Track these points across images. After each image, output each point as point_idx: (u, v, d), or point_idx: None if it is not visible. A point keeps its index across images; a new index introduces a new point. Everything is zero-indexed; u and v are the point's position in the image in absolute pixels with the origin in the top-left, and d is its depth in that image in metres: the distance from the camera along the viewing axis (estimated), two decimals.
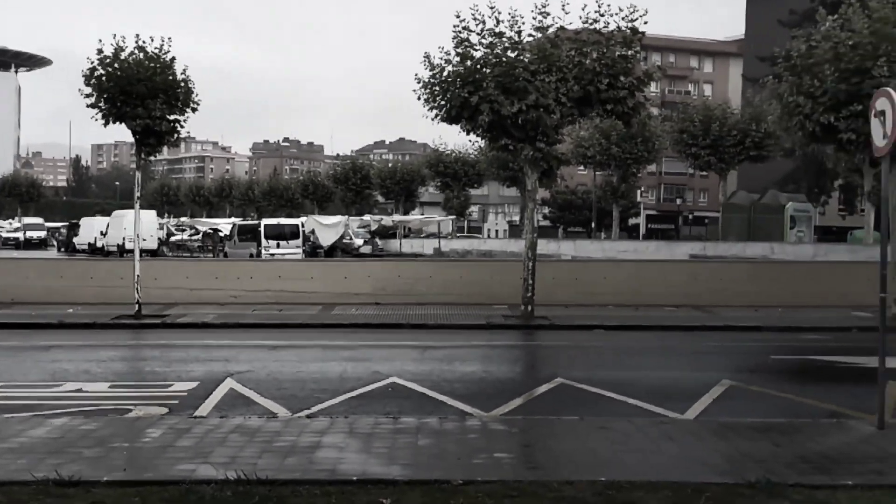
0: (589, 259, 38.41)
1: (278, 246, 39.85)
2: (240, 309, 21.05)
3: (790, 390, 11.87)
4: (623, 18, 19.40)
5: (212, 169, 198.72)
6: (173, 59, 19.72)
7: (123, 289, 20.78)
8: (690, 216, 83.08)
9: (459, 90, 19.07)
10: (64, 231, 62.07)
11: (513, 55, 19.06)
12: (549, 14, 19.15)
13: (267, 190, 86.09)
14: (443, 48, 19.48)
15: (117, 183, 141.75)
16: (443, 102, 19.68)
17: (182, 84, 19.86)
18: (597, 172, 56.67)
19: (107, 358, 15.18)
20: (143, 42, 19.59)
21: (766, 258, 36.99)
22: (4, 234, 70.12)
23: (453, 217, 64.16)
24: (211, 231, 55.44)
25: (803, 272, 25.35)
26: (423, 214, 72.67)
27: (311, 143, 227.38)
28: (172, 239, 58.21)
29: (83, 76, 19.43)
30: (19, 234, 68.65)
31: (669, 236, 79.00)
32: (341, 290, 22.65)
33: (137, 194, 20.90)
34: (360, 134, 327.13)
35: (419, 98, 20.05)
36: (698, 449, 8.43)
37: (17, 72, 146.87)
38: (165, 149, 23.49)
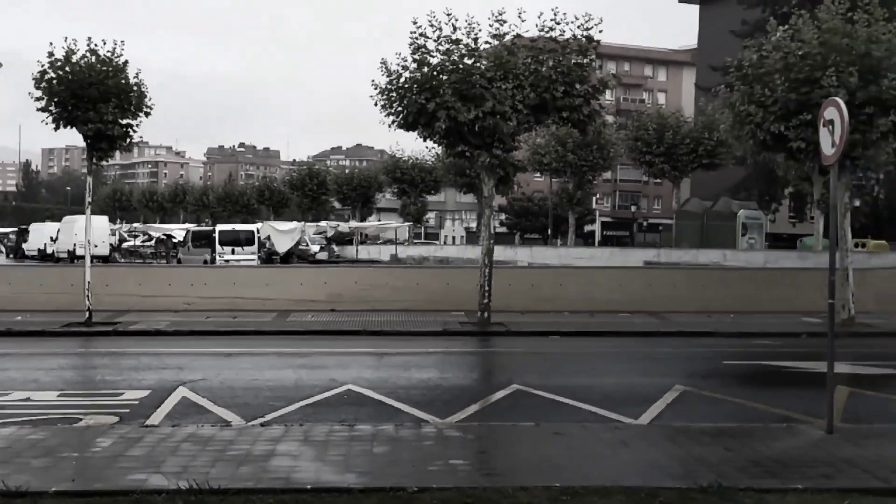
0: (545, 266, 38.58)
1: (233, 252, 39.48)
2: (193, 316, 20.80)
3: (742, 395, 12.03)
4: (578, 27, 19.56)
5: (165, 174, 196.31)
6: (126, 62, 19.46)
7: (74, 296, 20.41)
8: (645, 223, 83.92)
9: (416, 96, 19.07)
10: (13, 237, 60.91)
11: (469, 62, 19.11)
12: (505, 21, 19.25)
13: (222, 195, 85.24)
14: (400, 54, 19.49)
15: (68, 188, 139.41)
16: (400, 109, 19.65)
17: (135, 88, 19.59)
18: (553, 179, 57.02)
19: (56, 366, 14.90)
20: (96, 45, 19.32)
21: (719, 265, 37.55)
22: None
23: (410, 223, 64.13)
24: (164, 237, 54.78)
25: (755, 279, 25.77)
26: (379, 221, 72.51)
27: (267, 149, 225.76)
28: (125, 245, 57.36)
29: (33, 79, 19.08)
30: None
31: (624, 243, 79.78)
32: (297, 297, 22.51)
33: (89, 199, 20.56)
34: (317, 140, 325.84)
35: (376, 104, 20.01)
36: (652, 454, 8.50)
37: None
38: (118, 154, 23.12)
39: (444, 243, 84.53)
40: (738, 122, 21.51)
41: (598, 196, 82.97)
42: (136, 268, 34.18)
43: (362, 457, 8.27)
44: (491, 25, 19.27)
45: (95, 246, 34.61)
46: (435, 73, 19.10)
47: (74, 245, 44.32)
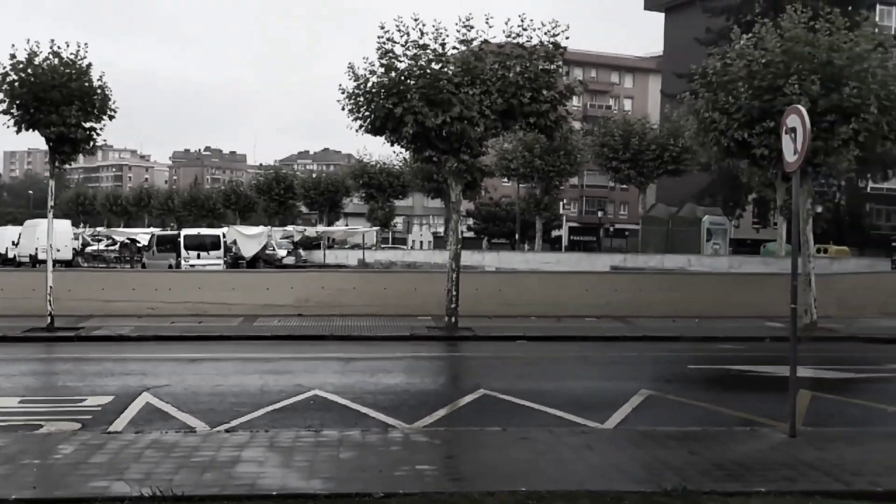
0: (512, 270, 38.74)
1: (199, 257, 39.14)
2: (158, 321, 20.59)
3: (706, 399, 12.14)
4: (546, 33, 19.67)
5: (130, 178, 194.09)
6: (90, 65, 19.25)
7: (35, 301, 20.12)
8: (611, 228, 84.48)
9: (384, 101, 19.07)
10: None
11: (437, 67, 19.14)
12: (472, 27, 19.30)
13: (187, 199, 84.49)
14: (367, 59, 19.47)
15: (30, 191, 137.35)
16: (367, 113, 19.64)
17: (98, 91, 19.38)
18: (520, 185, 57.21)
19: (17, 372, 14.68)
20: (59, 47, 19.10)
21: (684, 270, 37.91)
22: None
23: (378, 228, 64.01)
24: (128, 241, 54.21)
25: (719, 284, 26.04)
26: (347, 225, 72.29)
27: (233, 153, 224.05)
28: (88, 249, 56.71)
29: None
30: None
31: (591, 248, 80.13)
32: (263, 302, 22.37)
33: (51, 203, 20.31)
34: (284, 144, 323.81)
35: (343, 108, 19.98)
36: (617, 458, 8.56)
37: None
38: (81, 157, 22.82)
39: (412, 248, 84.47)
40: (703, 128, 21.73)
41: (565, 201, 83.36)
42: (99, 272, 33.80)
43: (328, 462, 8.24)
44: (458, 31, 19.34)
45: (58, 250, 34.21)
46: (402, 77, 19.11)
47: (36, 249, 43.68)
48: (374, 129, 19.85)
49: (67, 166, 22.46)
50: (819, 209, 44.83)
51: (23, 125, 19.13)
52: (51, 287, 19.49)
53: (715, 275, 30.85)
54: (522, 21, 19.58)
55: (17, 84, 18.71)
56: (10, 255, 48.91)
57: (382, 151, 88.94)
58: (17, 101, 18.80)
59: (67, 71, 18.89)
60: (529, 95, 19.28)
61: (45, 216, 20.49)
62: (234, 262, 43.72)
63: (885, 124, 19.86)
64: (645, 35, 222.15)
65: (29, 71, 18.69)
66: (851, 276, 30.27)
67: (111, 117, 19.80)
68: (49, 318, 19.18)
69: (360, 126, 19.97)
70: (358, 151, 69.59)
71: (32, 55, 18.82)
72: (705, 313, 22.66)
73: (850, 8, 39.73)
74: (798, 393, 10.24)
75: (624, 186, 66.54)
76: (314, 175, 74.51)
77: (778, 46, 20.04)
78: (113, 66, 20.61)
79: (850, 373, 15.25)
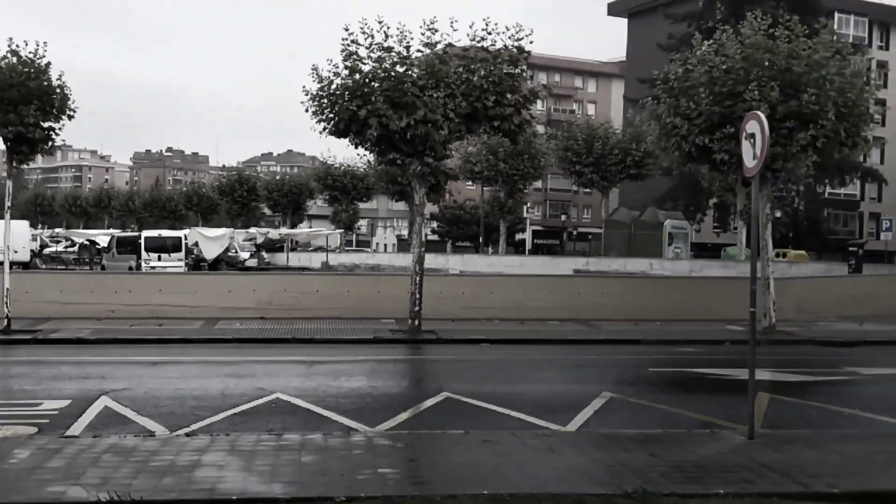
0: (476, 273, 38.80)
1: (159, 259, 38.71)
2: (117, 324, 20.31)
3: (667, 402, 12.25)
4: (510, 37, 19.71)
5: (90, 178, 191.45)
6: (49, 64, 18.95)
7: None
8: (575, 232, 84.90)
9: (348, 103, 19.00)
10: None
11: (401, 70, 19.11)
12: (437, 30, 19.29)
13: (148, 201, 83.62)
14: (331, 61, 19.38)
15: None
16: (331, 115, 19.55)
17: (58, 90, 19.08)
18: (484, 188, 57.37)
19: None
20: (17, 46, 18.77)
21: (646, 273, 38.25)
22: None
23: (342, 231, 63.80)
24: (87, 243, 53.39)
25: (680, 287, 26.31)
26: (311, 227, 71.95)
27: (195, 154, 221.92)
28: (46, 251, 55.74)
29: None
30: None
31: (555, 251, 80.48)
32: (225, 305, 22.17)
33: (8, 204, 19.95)
34: (247, 145, 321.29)
35: (307, 110, 19.87)
36: (579, 460, 8.60)
37: None
38: (39, 157, 22.48)
39: (376, 251, 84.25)
40: (665, 133, 21.94)
41: (528, 205, 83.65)
42: (57, 274, 33.28)
43: (290, 466, 8.18)
44: (423, 34, 19.33)
45: (15, 252, 33.58)
46: (367, 80, 19.06)
47: None
48: (338, 132, 19.77)
49: (25, 166, 22.08)
50: (778, 214, 45.54)
51: None
52: (7, 289, 19.15)
53: (676, 278, 31.17)
54: (487, 25, 19.61)
55: None
56: None
57: (346, 154, 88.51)
58: None
59: (26, 70, 18.57)
60: (493, 99, 19.32)
61: (1, 217, 20.12)
62: (196, 264, 43.28)
63: (842, 131, 20.20)
64: (608, 40, 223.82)
65: None
66: (809, 280, 30.76)
67: (70, 117, 19.52)
68: (6, 320, 18.84)
69: (324, 128, 19.89)
70: (322, 153, 69.40)
71: None
72: (666, 316, 22.88)
73: (809, 16, 40.42)
74: (757, 395, 10.38)
75: (587, 190, 67.12)
76: (277, 177, 73.99)
77: (738, 53, 20.31)
78: (73, 66, 20.32)
79: (808, 375, 15.47)
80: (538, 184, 72.75)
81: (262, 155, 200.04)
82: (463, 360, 17.04)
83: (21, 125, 18.55)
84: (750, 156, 10.15)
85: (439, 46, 19.43)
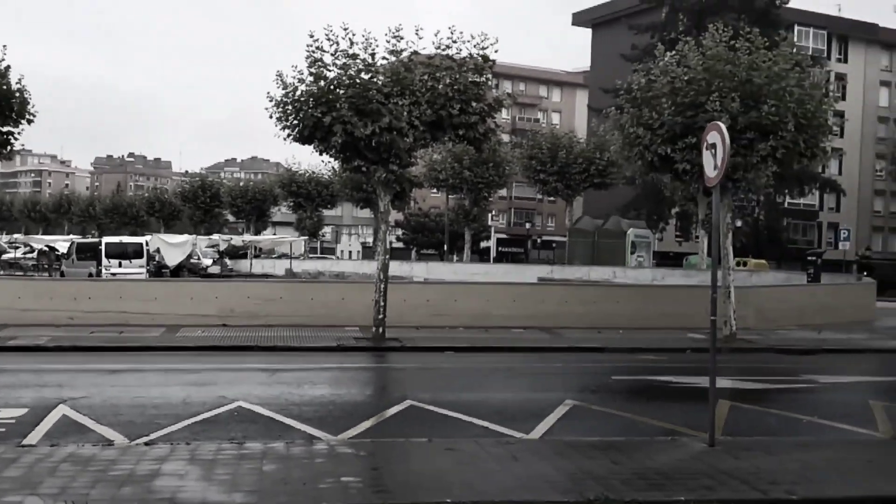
0: (441, 281, 38.81)
1: (120, 265, 38.25)
2: (77, 331, 20.03)
3: (629, 409, 12.33)
4: (475, 46, 19.76)
5: (50, 183, 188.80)
6: (8, 67, 18.75)
7: None
8: (539, 240, 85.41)
9: (312, 110, 18.93)
10: None
11: (366, 77, 19.09)
12: (402, 38, 19.30)
13: (109, 207, 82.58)
14: (296, 67, 19.32)
15: None
16: (295, 122, 19.46)
17: (17, 94, 18.86)
18: (449, 196, 57.43)
19: None
20: None
21: (609, 281, 38.47)
22: None
23: (306, 238, 63.48)
24: (47, 249, 52.68)
25: (643, 295, 26.53)
26: (274, 234, 71.47)
27: (158, 159, 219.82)
28: (4, 257, 54.96)
29: None
30: None
31: (519, 259, 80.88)
32: (187, 312, 21.96)
33: None
34: (211, 151, 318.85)
35: (271, 116, 19.77)
36: (542, 468, 8.62)
37: None
38: None
39: (341, 258, 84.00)
40: (628, 143, 22.14)
41: (493, 213, 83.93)
42: (15, 280, 32.68)
43: (251, 475, 8.11)
44: (388, 41, 19.32)
45: None
46: (332, 87, 19.01)
47: None
48: (303, 138, 19.69)
49: None
50: (739, 223, 46.11)
51: None
52: None
53: (639, 287, 31.41)
54: (452, 33, 19.65)
55: None
56: None
57: (311, 160, 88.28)
58: None
59: None
60: (458, 107, 19.36)
61: None
62: (158, 271, 42.84)
63: (801, 142, 20.53)
64: (573, 50, 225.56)
65: None
66: (769, 288, 31.17)
67: (30, 121, 19.32)
68: None
69: (289, 135, 19.79)
70: (286, 160, 69.12)
71: None
72: (629, 324, 23.05)
73: (769, 28, 41.04)
74: (717, 403, 10.48)
75: (552, 199, 67.34)
76: (241, 183, 73.54)
77: (700, 64, 20.56)
78: (33, 71, 20.05)
79: (768, 383, 15.68)
80: (503, 192, 72.96)
81: (225, 161, 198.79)
82: (427, 367, 17.02)
83: None
84: (711, 166, 10.26)
85: (404, 54, 19.44)
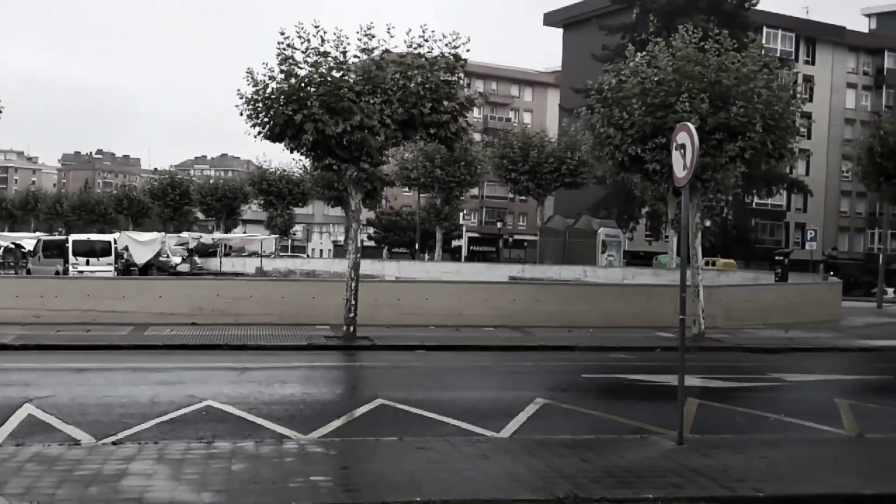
0: (412, 280, 38.77)
1: (88, 263, 37.83)
2: (43, 329, 19.77)
3: (599, 408, 12.39)
4: (447, 45, 19.76)
5: (16, 180, 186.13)
6: None
7: None
8: (510, 239, 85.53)
9: (283, 108, 18.83)
10: None
11: (338, 75, 19.03)
12: (374, 36, 19.26)
13: (77, 204, 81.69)
14: (267, 65, 19.21)
15: None
16: (266, 119, 19.36)
17: None
18: (421, 194, 57.38)
19: None
20: None
21: (580, 280, 38.63)
22: None
23: (277, 236, 63.16)
24: (12, 246, 51.92)
25: (613, 294, 26.68)
26: (245, 232, 71.04)
27: (126, 156, 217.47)
28: None
29: None
30: None
31: (490, 258, 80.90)
32: (156, 310, 21.78)
33: None
34: (180, 148, 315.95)
35: (242, 114, 19.65)
36: (512, 466, 8.64)
37: None
38: None
39: (312, 256, 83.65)
40: (599, 143, 22.25)
41: (465, 212, 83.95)
42: None
43: (220, 475, 8.05)
44: (360, 39, 19.28)
45: None
46: (303, 84, 18.93)
47: None
48: (274, 136, 19.59)
49: None
50: (707, 223, 46.50)
51: None
52: None
53: (609, 286, 31.56)
54: (424, 32, 19.65)
55: None
56: None
57: (282, 158, 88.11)
58: None
59: None
60: (430, 106, 19.36)
61: None
62: (126, 269, 42.41)
63: (769, 143, 20.75)
64: (544, 50, 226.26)
65: None
66: (737, 288, 31.45)
67: None
68: None
69: (259, 132, 19.69)
70: (257, 158, 68.65)
71: None
72: (600, 323, 23.17)
73: (738, 30, 41.45)
74: (686, 401, 10.57)
75: (523, 198, 67.68)
76: (211, 181, 73.01)
77: (670, 65, 20.72)
78: None
79: (736, 382, 15.83)
80: (474, 191, 72.98)
81: (195, 158, 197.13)
82: (398, 366, 17.00)
83: None
84: (680, 166, 10.34)
85: (376, 52, 19.40)
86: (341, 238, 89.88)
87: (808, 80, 73.46)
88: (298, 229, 78.54)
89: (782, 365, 18.24)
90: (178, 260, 50.65)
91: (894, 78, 78.49)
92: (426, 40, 19.66)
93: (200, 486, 7.66)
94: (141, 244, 44.33)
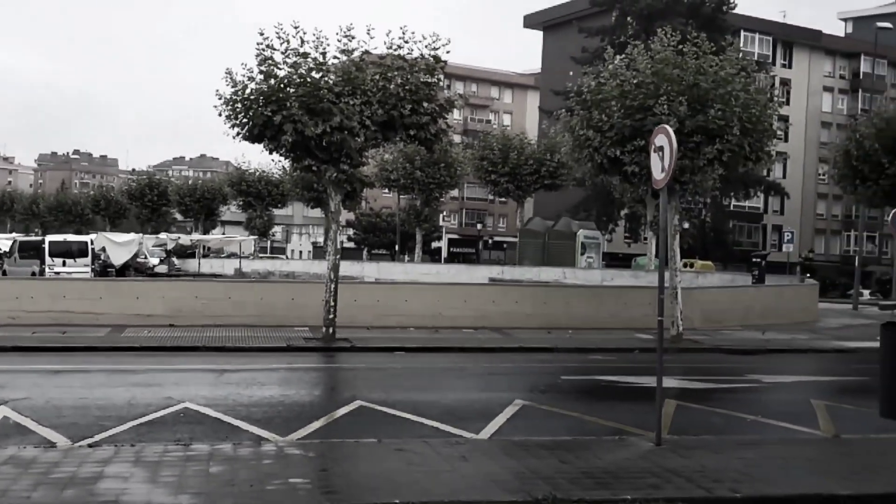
0: (392, 281, 38.73)
1: (64, 264, 37.56)
2: (19, 331, 19.58)
3: (578, 409, 12.43)
4: (426, 46, 19.79)
5: None
6: None
7: None
8: (490, 241, 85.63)
9: (262, 108, 18.77)
10: None
11: (317, 76, 18.99)
12: (353, 38, 19.25)
13: (54, 204, 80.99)
14: (246, 65, 19.14)
15: None
16: (245, 120, 19.29)
17: None
18: (401, 196, 57.34)
19: None
20: None
21: (559, 282, 38.74)
22: None
23: (255, 237, 62.91)
24: None
25: (592, 296, 26.75)
26: (224, 234, 70.70)
27: (104, 157, 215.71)
28: None
29: None
30: None
31: (470, 260, 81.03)
32: (133, 312, 21.64)
33: None
34: (159, 149, 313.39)
35: (221, 115, 19.57)
36: (491, 468, 8.64)
37: None
38: None
39: (291, 258, 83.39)
40: (578, 145, 22.34)
41: (445, 213, 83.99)
42: None
43: (198, 477, 8.01)
44: (339, 41, 19.26)
45: None
46: (282, 85, 18.88)
47: None
48: (253, 137, 19.52)
49: None
50: (686, 225, 46.76)
51: None
52: None
53: (588, 287, 31.66)
54: (404, 34, 19.66)
55: None
56: None
57: (261, 159, 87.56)
58: None
59: None
60: (410, 107, 19.36)
61: None
62: (103, 270, 42.11)
63: (746, 145, 20.91)
64: (525, 52, 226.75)
65: None
66: (715, 289, 31.66)
67: None
68: None
69: (238, 133, 19.63)
70: (236, 159, 68.29)
71: None
72: (579, 325, 23.25)
73: (716, 33, 41.73)
74: (664, 402, 10.62)
75: (503, 199, 67.70)
76: (190, 182, 72.56)
77: (649, 68, 20.82)
78: None
79: (713, 383, 15.92)
80: (454, 192, 73.07)
81: (174, 159, 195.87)
82: (377, 368, 16.98)
83: None
84: (658, 168, 10.40)
85: (356, 53, 19.39)
86: (321, 239, 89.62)
87: (785, 83, 74.11)
88: (278, 230, 78.34)
89: (759, 366, 18.38)
90: (155, 261, 50.36)
91: (870, 82, 79.25)
92: (406, 42, 19.69)
93: (178, 489, 7.62)
94: (118, 245, 44.04)
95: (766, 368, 18.07)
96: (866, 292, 53.84)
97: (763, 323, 25.87)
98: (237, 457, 8.81)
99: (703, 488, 8.14)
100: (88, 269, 38.49)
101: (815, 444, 10.65)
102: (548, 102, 62.66)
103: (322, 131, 18.57)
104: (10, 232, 73.06)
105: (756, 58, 56.87)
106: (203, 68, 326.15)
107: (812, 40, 77.85)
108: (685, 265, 40.81)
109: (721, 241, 66.77)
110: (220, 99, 19.38)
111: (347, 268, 37.97)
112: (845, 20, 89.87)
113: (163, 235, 55.15)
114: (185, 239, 55.60)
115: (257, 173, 60.28)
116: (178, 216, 72.53)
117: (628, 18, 55.98)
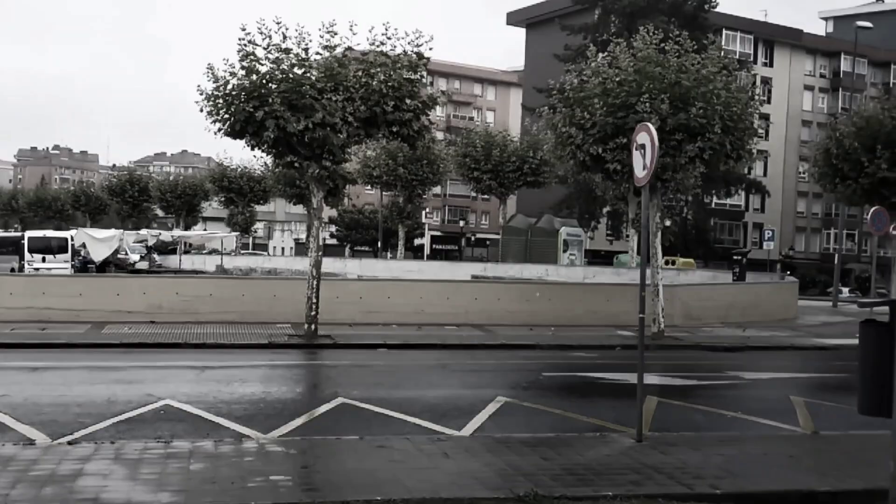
0: (374, 278, 38.65)
1: (44, 260, 37.30)
2: None
3: (560, 406, 12.46)
4: (409, 43, 19.74)
5: None
6: None
7: None
8: (473, 237, 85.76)
9: (244, 104, 18.66)
10: None
11: (300, 72, 18.91)
12: (336, 34, 19.16)
13: (33, 200, 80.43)
14: (227, 60, 19.02)
15: None
16: (227, 116, 19.17)
17: None
18: (383, 192, 57.23)
19: None
20: None
21: (542, 279, 38.78)
22: None
23: (237, 233, 62.65)
24: None
25: (574, 293, 26.82)
26: (205, 230, 70.34)
27: (84, 152, 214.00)
28: None
29: None
30: None
31: (453, 257, 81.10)
32: (113, 308, 21.50)
33: None
34: (140, 144, 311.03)
35: (202, 110, 19.45)
36: (473, 465, 8.66)
37: None
38: None
39: (273, 254, 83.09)
40: (560, 143, 22.36)
41: (427, 210, 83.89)
42: None
43: (178, 475, 7.97)
44: (322, 37, 19.17)
45: None
46: (264, 81, 18.78)
47: None
48: (234, 133, 19.41)
49: None
50: (667, 223, 46.93)
51: None
52: None
53: (570, 284, 31.74)
54: (387, 30, 19.58)
55: None
56: None
57: (243, 155, 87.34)
58: None
59: None
60: (393, 104, 19.31)
61: None
62: (83, 266, 41.82)
63: (728, 144, 21.00)
64: (508, 49, 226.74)
65: None
66: (696, 287, 31.79)
67: None
68: None
69: (220, 129, 19.49)
70: (218, 154, 68.01)
71: None
72: (561, 322, 23.30)
73: (698, 32, 41.87)
74: (645, 399, 10.67)
75: (485, 197, 67.58)
76: (171, 177, 72.09)
77: (631, 66, 20.87)
78: None
79: (694, 380, 16.01)
80: (437, 189, 72.92)
81: (155, 155, 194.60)
82: (359, 365, 16.95)
83: None
84: (640, 166, 10.43)
85: (338, 50, 19.32)
86: (303, 236, 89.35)
87: (766, 81, 74.56)
88: (260, 227, 77.91)
89: (740, 363, 18.49)
90: (136, 257, 50.06)
91: (850, 81, 79.66)
92: (389, 38, 19.61)
93: (158, 486, 7.58)
94: (98, 241, 43.63)
95: (747, 365, 18.19)
96: (846, 290, 54.33)
97: (744, 320, 26.02)
98: (218, 454, 8.78)
99: (683, 485, 8.18)
100: (68, 266, 38.24)
101: (795, 441, 10.73)
102: (531, 100, 62.71)
103: (304, 127, 18.50)
104: None
105: (737, 56, 56.93)
106: (185, 63, 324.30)
107: (793, 39, 78.34)
108: (667, 262, 41.04)
109: (702, 238, 67.11)
110: (201, 94, 19.26)
111: (330, 264, 37.87)
112: (826, 19, 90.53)
113: (144, 231, 54.80)
114: (166, 235, 55.30)
115: (239, 169, 60.03)
116: (160, 212, 72.14)
117: (611, 16, 56.12)
